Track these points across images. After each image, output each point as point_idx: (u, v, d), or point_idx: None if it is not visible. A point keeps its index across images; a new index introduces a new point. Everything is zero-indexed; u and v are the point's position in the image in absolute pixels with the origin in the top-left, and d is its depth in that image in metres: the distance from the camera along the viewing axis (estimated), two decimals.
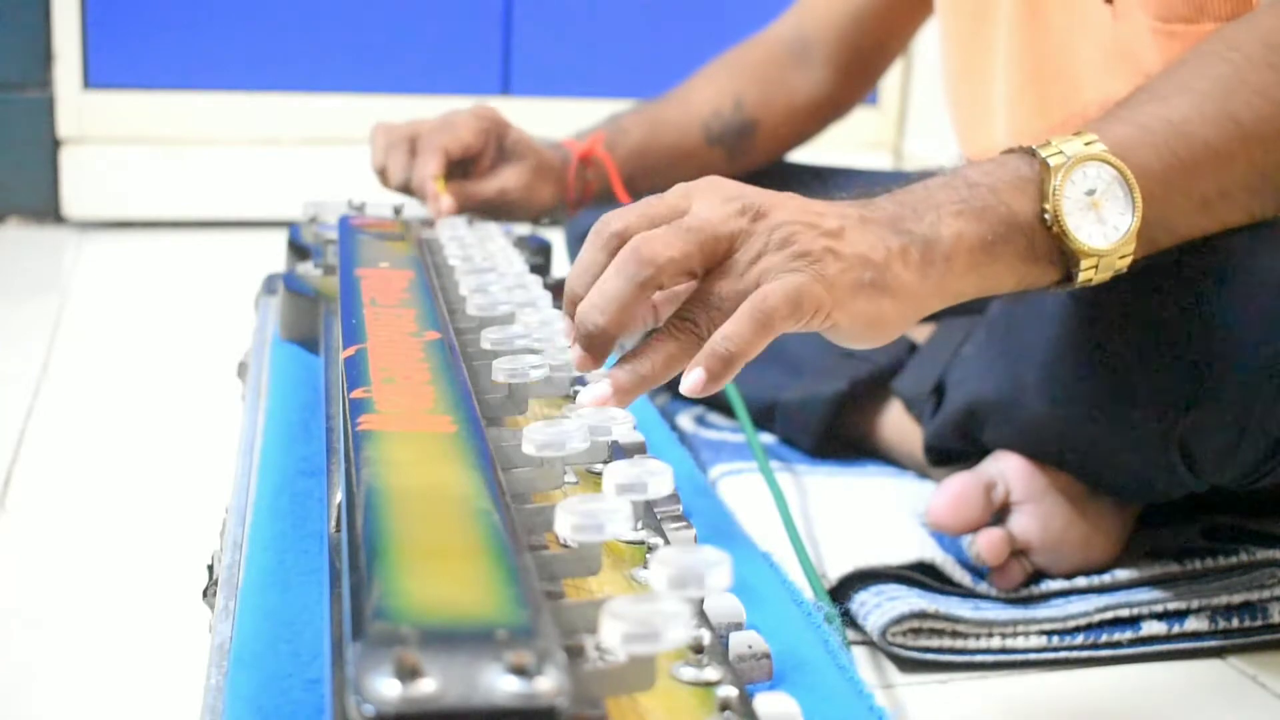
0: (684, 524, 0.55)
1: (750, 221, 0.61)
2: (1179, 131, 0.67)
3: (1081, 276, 0.66)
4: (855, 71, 1.20)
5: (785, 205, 0.61)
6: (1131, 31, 0.85)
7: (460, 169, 1.06)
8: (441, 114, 1.07)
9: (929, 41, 1.19)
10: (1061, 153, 0.65)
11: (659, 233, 0.60)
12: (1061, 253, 0.65)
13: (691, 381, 0.57)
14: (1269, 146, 0.68)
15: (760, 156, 1.20)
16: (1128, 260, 0.67)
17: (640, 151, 1.15)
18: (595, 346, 0.60)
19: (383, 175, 1.06)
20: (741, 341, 0.58)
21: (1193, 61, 0.70)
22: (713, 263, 0.60)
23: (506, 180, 1.07)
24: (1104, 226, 0.65)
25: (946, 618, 0.78)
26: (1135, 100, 0.69)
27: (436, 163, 1.02)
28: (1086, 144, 0.66)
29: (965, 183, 0.65)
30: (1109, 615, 0.81)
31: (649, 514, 0.55)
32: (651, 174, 1.14)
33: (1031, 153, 0.66)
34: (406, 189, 1.05)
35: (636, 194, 1.14)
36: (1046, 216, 0.65)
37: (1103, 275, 0.66)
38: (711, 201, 0.61)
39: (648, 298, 0.60)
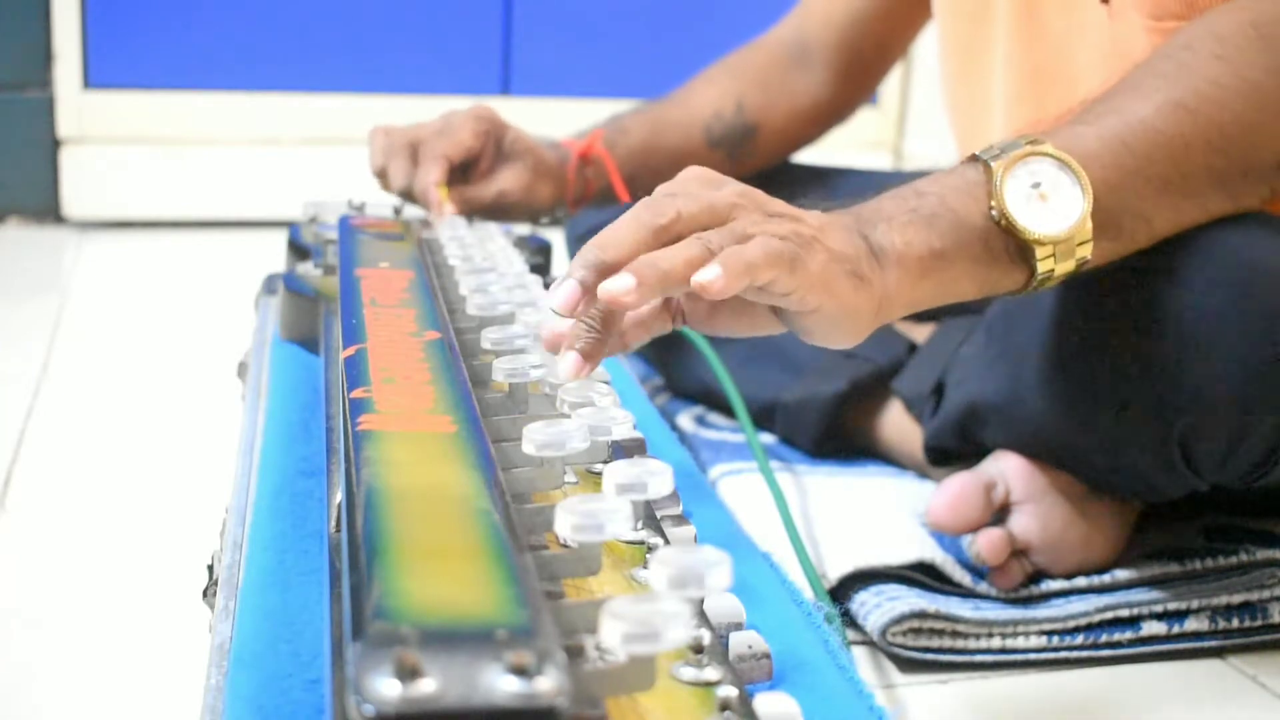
0: (684, 524, 0.55)
1: (749, 201, 0.62)
2: (1125, 121, 0.69)
3: (1041, 266, 0.67)
4: (856, 75, 1.20)
5: (771, 201, 0.63)
6: (1127, 31, 0.85)
7: (460, 171, 1.06)
8: (440, 115, 1.07)
9: (929, 43, 1.19)
10: (1003, 154, 0.67)
11: (663, 196, 0.62)
12: (1020, 249, 0.67)
13: (709, 276, 0.57)
14: (1225, 131, 0.70)
15: (761, 159, 1.20)
16: (1088, 246, 0.67)
17: (641, 151, 1.15)
18: (592, 277, 0.59)
19: (382, 179, 1.06)
20: (755, 257, 0.58)
21: (1144, 64, 0.72)
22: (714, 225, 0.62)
23: (505, 182, 1.07)
24: (1054, 215, 0.66)
25: (946, 618, 0.78)
26: (1087, 108, 0.71)
27: (439, 170, 1.02)
28: (1029, 143, 0.67)
29: (914, 193, 0.67)
30: (1109, 615, 0.81)
31: (649, 514, 0.55)
32: (652, 174, 1.14)
33: (976, 159, 0.68)
34: (408, 195, 1.05)
35: (636, 194, 1.14)
36: (994, 213, 0.66)
37: (1065, 265, 0.67)
38: (704, 187, 0.63)
39: (655, 244, 0.60)
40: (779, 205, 0.63)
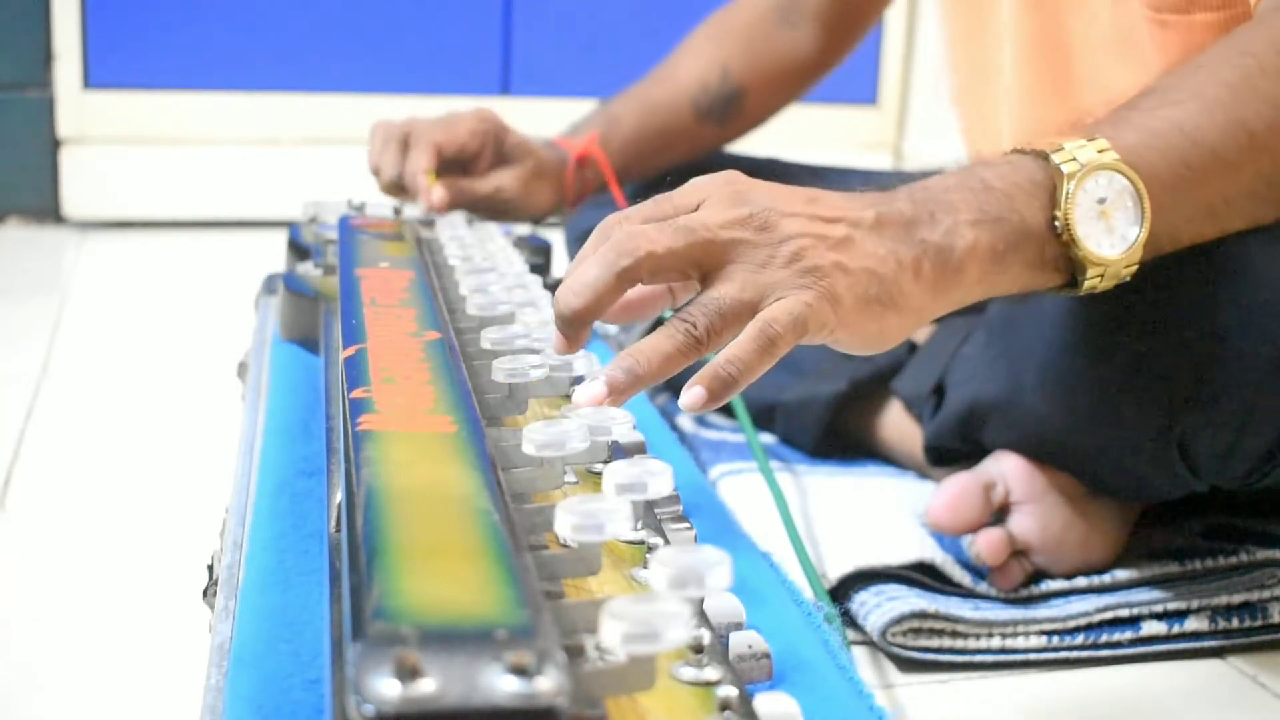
0: (684, 524, 0.55)
1: (755, 232, 0.60)
2: (1190, 139, 0.66)
3: (1087, 285, 0.65)
4: (841, 29, 1.20)
5: (794, 213, 0.60)
6: (1130, 18, 0.85)
7: (457, 170, 1.06)
8: (442, 113, 1.07)
9: (929, 42, 1.19)
10: (1075, 159, 0.64)
11: (649, 227, 0.60)
12: (1068, 260, 0.65)
13: (691, 398, 0.57)
14: (1276, 155, 0.68)
15: (750, 122, 1.21)
16: (1133, 269, 0.66)
17: (634, 139, 1.16)
18: (569, 329, 0.60)
19: (377, 175, 1.06)
20: (744, 365, 0.57)
21: (1204, 65, 0.69)
22: (710, 267, 0.60)
23: (503, 180, 1.07)
24: (1112, 236, 0.65)
25: (946, 618, 0.78)
26: (1146, 103, 0.69)
27: (427, 157, 1.02)
28: (1099, 150, 0.65)
29: (981, 185, 0.64)
30: (1109, 615, 0.81)
31: (649, 514, 0.55)
32: (646, 159, 1.15)
33: (1044, 156, 0.65)
34: (398, 187, 1.05)
35: (633, 181, 1.15)
36: (1057, 224, 0.64)
37: (1108, 284, 0.66)
38: (718, 205, 0.61)
39: (623, 289, 0.60)
40: (799, 223, 0.60)
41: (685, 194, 0.62)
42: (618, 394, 0.58)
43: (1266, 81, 0.67)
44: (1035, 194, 0.64)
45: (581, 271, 0.59)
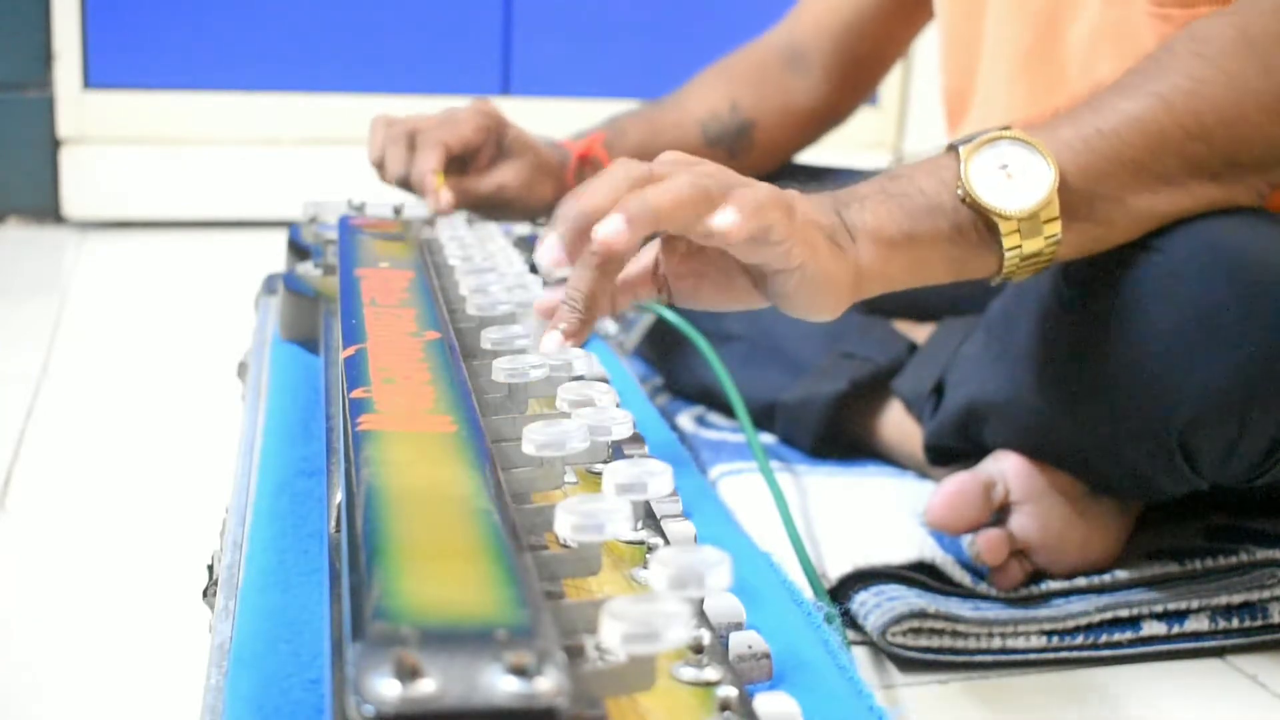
0: (684, 524, 0.55)
1: (722, 171, 0.63)
2: (1100, 112, 0.71)
3: (1007, 243, 0.68)
4: (852, 79, 1.20)
5: (751, 182, 0.64)
6: (1127, 15, 0.85)
7: (459, 165, 1.06)
8: (442, 110, 1.07)
9: (929, 42, 1.19)
10: (972, 139, 0.69)
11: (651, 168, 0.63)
12: (988, 228, 0.68)
13: (727, 219, 0.60)
14: (1203, 120, 0.71)
15: (760, 156, 1.20)
16: (1056, 224, 0.68)
17: (638, 152, 1.15)
18: (574, 231, 0.61)
19: (380, 169, 1.06)
20: (762, 197, 0.61)
21: (1128, 70, 0.73)
22: (707, 209, 0.62)
23: (505, 177, 1.07)
24: (1019, 193, 0.68)
25: (946, 618, 0.78)
26: (1071, 108, 0.73)
27: (436, 157, 1.02)
28: (1001, 129, 0.69)
29: (888, 177, 0.69)
30: (1109, 615, 0.81)
31: (649, 514, 0.55)
32: None
33: (951, 147, 0.70)
34: (405, 184, 1.05)
35: None
36: (960, 192, 0.68)
37: (1033, 243, 0.69)
38: (685, 168, 0.63)
39: (632, 191, 0.61)
40: (757, 186, 0.64)
41: (659, 163, 0.65)
42: (633, 227, 0.59)
43: (1178, 62, 0.72)
44: (939, 175, 0.69)
45: (592, 185, 0.62)
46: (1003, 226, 0.68)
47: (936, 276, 0.70)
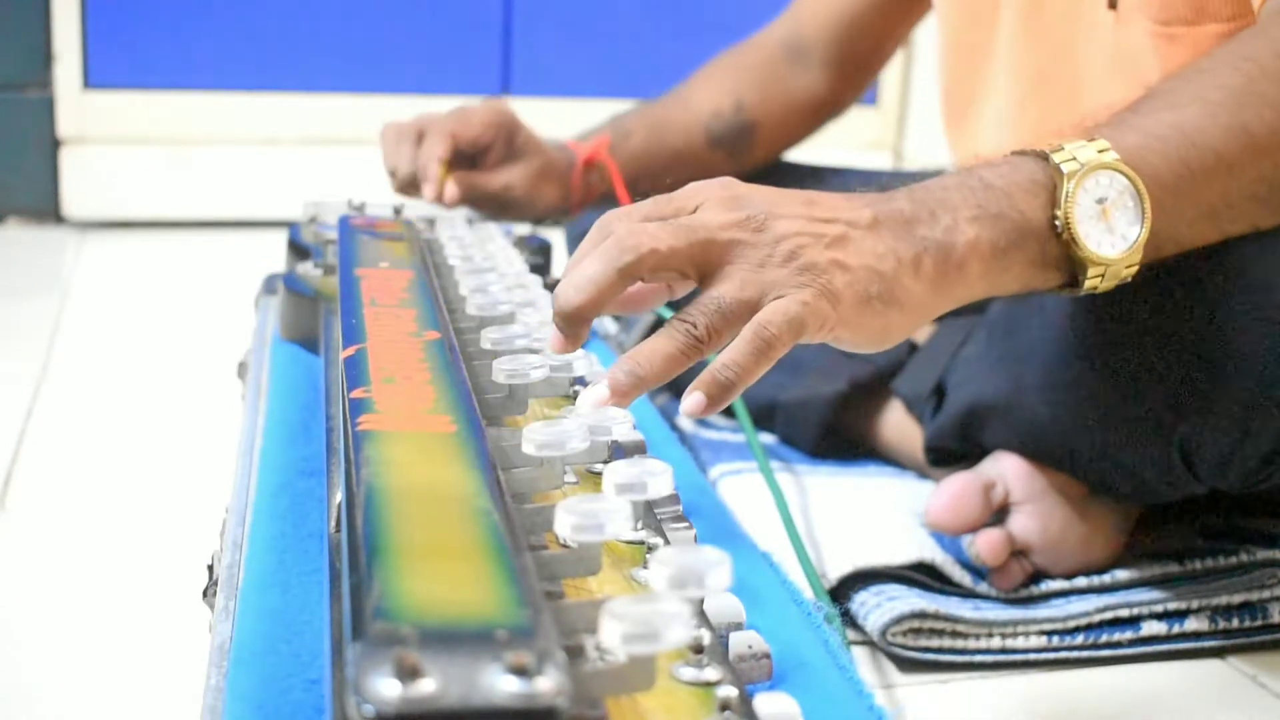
0: (684, 524, 0.55)
1: (752, 233, 0.60)
2: (1190, 140, 0.67)
3: (1088, 284, 0.65)
4: (852, 71, 1.20)
5: (791, 214, 0.61)
6: (1133, 36, 0.85)
7: (468, 162, 1.06)
8: (455, 107, 1.07)
9: (929, 42, 1.19)
10: (1075, 159, 0.64)
11: (651, 225, 0.60)
12: (1069, 259, 0.65)
13: (691, 404, 0.57)
14: (1276, 158, 0.68)
15: (761, 155, 1.20)
16: (1134, 270, 0.66)
17: (643, 153, 1.15)
18: (569, 326, 0.60)
19: (393, 175, 1.06)
20: (742, 369, 0.57)
21: (1206, 69, 0.69)
22: (708, 267, 0.60)
23: (512, 177, 1.07)
24: (1113, 236, 0.65)
25: (946, 618, 0.78)
26: (1147, 106, 0.69)
27: (443, 146, 1.02)
28: (1099, 151, 0.65)
29: (981, 184, 0.64)
30: (1109, 615, 0.81)
31: (649, 514, 0.55)
32: (654, 176, 1.14)
33: (1044, 157, 0.65)
34: (413, 183, 1.04)
35: (639, 196, 1.14)
36: (1058, 224, 0.64)
37: (1108, 284, 0.66)
38: (717, 207, 0.61)
39: (625, 285, 0.59)
40: (796, 222, 0.60)
41: (684, 196, 0.62)
42: (621, 396, 0.58)
43: (1268, 85, 0.68)
44: (1035, 192, 0.64)
45: (582, 267, 0.59)
46: (1090, 270, 0.65)
47: (1005, 293, 0.66)
